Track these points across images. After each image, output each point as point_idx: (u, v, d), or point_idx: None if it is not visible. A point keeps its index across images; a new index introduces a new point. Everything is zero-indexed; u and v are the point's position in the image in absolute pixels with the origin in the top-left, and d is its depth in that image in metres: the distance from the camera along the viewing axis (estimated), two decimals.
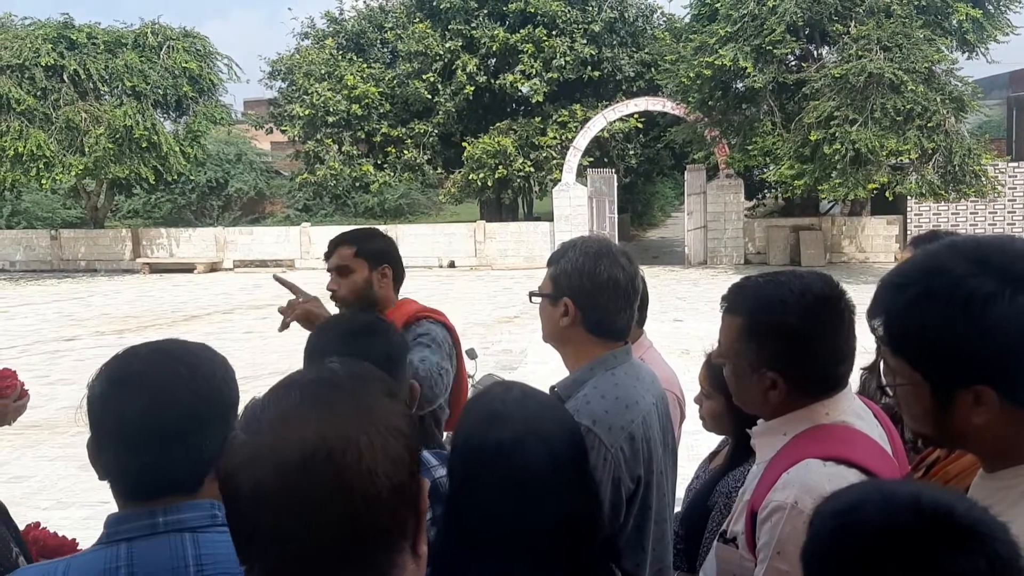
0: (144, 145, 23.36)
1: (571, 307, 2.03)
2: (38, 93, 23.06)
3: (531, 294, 2.17)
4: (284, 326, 2.89)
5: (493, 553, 1.50)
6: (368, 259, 2.98)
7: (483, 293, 18.54)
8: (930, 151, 17.67)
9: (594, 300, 2.02)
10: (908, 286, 1.33)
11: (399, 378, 2.05)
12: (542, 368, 9.65)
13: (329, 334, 2.18)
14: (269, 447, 0.91)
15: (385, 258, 3.05)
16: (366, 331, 2.12)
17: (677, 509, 2.41)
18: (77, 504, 6.44)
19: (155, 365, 1.39)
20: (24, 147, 22.26)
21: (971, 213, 22.54)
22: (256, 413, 0.96)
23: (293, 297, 2.91)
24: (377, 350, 1.96)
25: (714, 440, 2.80)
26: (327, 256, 3.05)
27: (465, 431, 1.60)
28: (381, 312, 2.91)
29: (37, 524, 1.85)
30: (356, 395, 0.97)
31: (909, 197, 20.16)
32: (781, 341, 1.70)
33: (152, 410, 1.33)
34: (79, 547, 1.82)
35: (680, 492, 2.59)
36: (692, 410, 2.71)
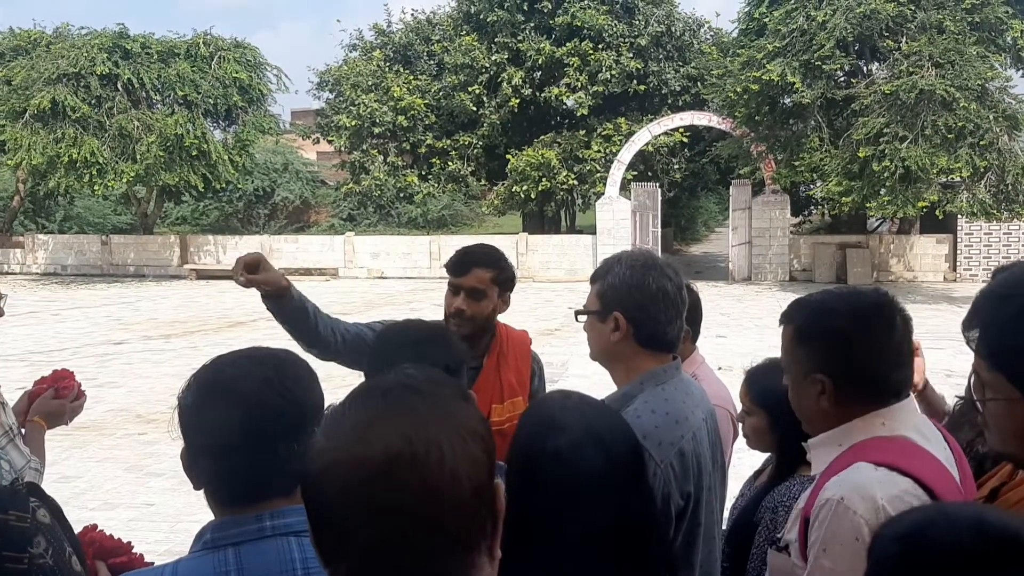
0: (194, 153, 23.78)
1: (622, 321, 2.01)
2: (93, 101, 23.57)
3: (577, 313, 2.14)
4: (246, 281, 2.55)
5: (551, 556, 1.51)
6: (500, 287, 2.87)
7: (524, 305, 18.52)
8: (982, 169, 17.36)
9: (645, 312, 2.00)
10: (1012, 297, 1.29)
11: None
12: (584, 382, 9.60)
13: (392, 342, 2.19)
14: (354, 451, 0.93)
15: (512, 285, 2.94)
16: (428, 339, 2.14)
17: (723, 526, 2.38)
18: (124, 506, 6.53)
19: (245, 372, 1.41)
20: (78, 154, 22.74)
21: (1023, 233, 22.09)
22: (338, 418, 0.99)
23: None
24: (438, 358, 1.98)
25: (756, 457, 2.77)
26: (458, 271, 2.83)
27: (525, 436, 1.61)
28: (490, 332, 2.92)
29: (95, 526, 1.88)
30: (435, 399, 0.99)
31: (960, 216, 19.82)
32: (827, 343, 1.70)
33: (246, 417, 1.35)
34: (133, 549, 1.85)
35: (726, 512, 2.57)
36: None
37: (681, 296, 2.05)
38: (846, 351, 1.67)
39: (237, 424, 1.35)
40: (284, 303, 2.64)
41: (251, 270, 2.56)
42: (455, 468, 0.93)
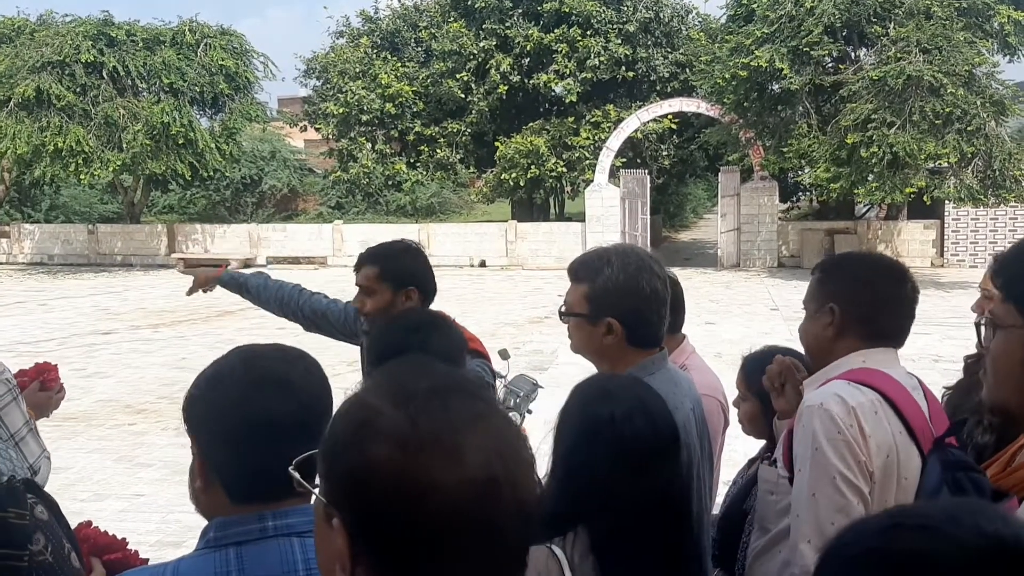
0: (180, 142, 23.63)
1: (617, 326, 2.00)
2: (78, 89, 23.37)
3: (563, 315, 2.11)
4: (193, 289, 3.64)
5: (600, 514, 1.69)
6: (392, 282, 2.86)
7: (514, 293, 18.53)
8: (969, 155, 17.41)
9: (639, 316, 2.02)
10: None
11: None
12: (574, 368, 9.60)
13: (393, 329, 2.19)
14: (450, 470, 0.89)
15: (410, 279, 2.89)
16: (428, 326, 2.14)
17: (714, 513, 2.40)
18: (113, 496, 6.51)
19: (290, 367, 1.40)
20: (64, 142, 22.56)
21: (1010, 219, 22.19)
22: (402, 427, 0.91)
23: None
24: (438, 346, 2.00)
25: (749, 443, 2.78)
26: (355, 269, 2.96)
27: (579, 404, 1.79)
28: None
29: (88, 523, 1.87)
30: (493, 403, 0.98)
31: (947, 201, 19.89)
32: (843, 277, 2.01)
33: (298, 411, 1.34)
34: (128, 546, 1.84)
35: (719, 498, 2.58)
36: (732, 415, 2.70)
37: (668, 289, 2.08)
38: (857, 289, 1.96)
39: (291, 416, 1.33)
40: (228, 286, 3.56)
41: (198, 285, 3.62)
42: (534, 481, 0.94)
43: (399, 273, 2.89)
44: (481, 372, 2.77)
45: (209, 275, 3.56)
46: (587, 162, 24.60)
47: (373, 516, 0.91)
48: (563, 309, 2.11)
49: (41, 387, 2.67)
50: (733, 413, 2.68)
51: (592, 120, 25.35)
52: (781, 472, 1.96)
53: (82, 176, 23.47)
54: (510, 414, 5.00)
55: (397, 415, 0.92)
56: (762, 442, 2.61)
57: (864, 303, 1.95)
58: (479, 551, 0.89)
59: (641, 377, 2.00)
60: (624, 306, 2.00)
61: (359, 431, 0.93)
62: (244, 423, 1.34)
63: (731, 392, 2.69)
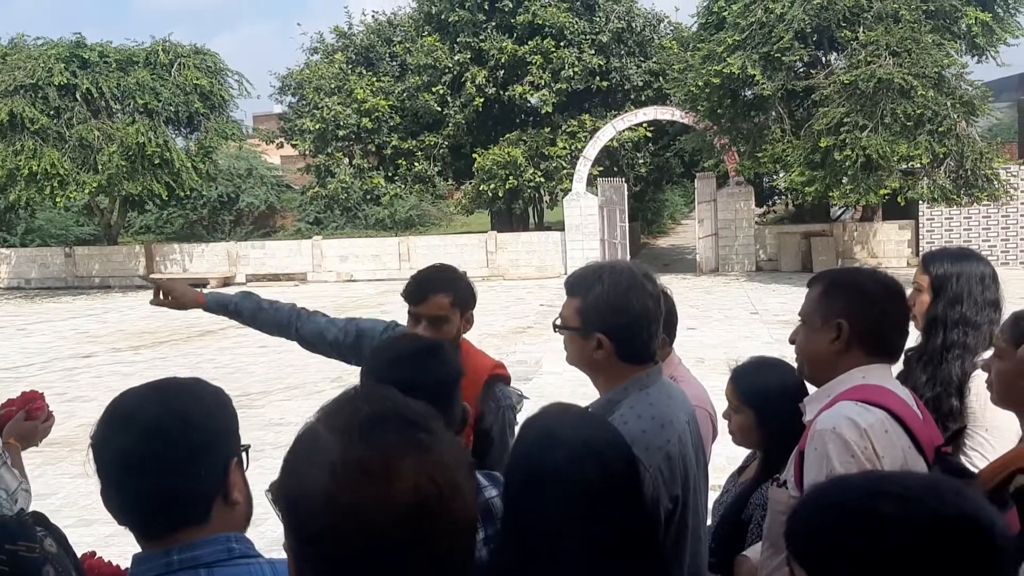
0: (156, 162, 23.51)
1: (605, 342, 2.03)
2: (52, 112, 23.25)
3: (556, 327, 2.15)
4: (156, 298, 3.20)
5: (555, 566, 1.57)
6: (461, 307, 2.78)
7: (496, 304, 18.54)
8: (941, 155, 17.59)
9: (628, 332, 2.03)
10: None
11: (454, 399, 2.11)
12: (557, 379, 9.66)
13: (386, 355, 2.19)
14: (380, 494, 0.93)
15: (472, 303, 2.85)
16: (424, 352, 2.14)
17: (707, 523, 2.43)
18: (100, 521, 6.47)
19: (145, 401, 1.41)
20: (38, 166, 22.42)
21: (983, 217, 22.44)
22: (339, 453, 0.96)
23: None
24: (433, 372, 2.01)
25: (731, 449, 2.82)
26: (416, 299, 2.76)
27: (524, 450, 1.68)
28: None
29: (93, 553, 1.89)
30: (437, 434, 1.00)
31: (921, 202, 20.10)
32: (853, 294, 2.05)
33: (146, 444, 1.35)
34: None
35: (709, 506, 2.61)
36: (721, 424, 2.73)
37: (660, 306, 2.09)
38: (866, 306, 2.03)
39: (138, 451, 1.34)
40: (216, 312, 3.20)
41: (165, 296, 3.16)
42: (470, 501, 0.98)
43: (466, 298, 2.81)
44: (508, 400, 2.80)
45: (188, 295, 3.20)
46: (564, 172, 24.72)
47: (307, 536, 0.96)
48: (558, 322, 2.15)
49: (27, 416, 2.66)
50: (721, 424, 2.71)
51: (568, 130, 25.48)
52: (792, 493, 2.01)
53: (58, 199, 23.32)
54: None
55: (331, 440, 0.97)
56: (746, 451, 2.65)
57: (871, 319, 2.03)
58: (414, 568, 0.94)
59: (636, 391, 2.04)
60: (613, 323, 2.02)
61: (298, 455, 1.00)
62: (107, 464, 1.39)
63: (717, 401, 2.73)
